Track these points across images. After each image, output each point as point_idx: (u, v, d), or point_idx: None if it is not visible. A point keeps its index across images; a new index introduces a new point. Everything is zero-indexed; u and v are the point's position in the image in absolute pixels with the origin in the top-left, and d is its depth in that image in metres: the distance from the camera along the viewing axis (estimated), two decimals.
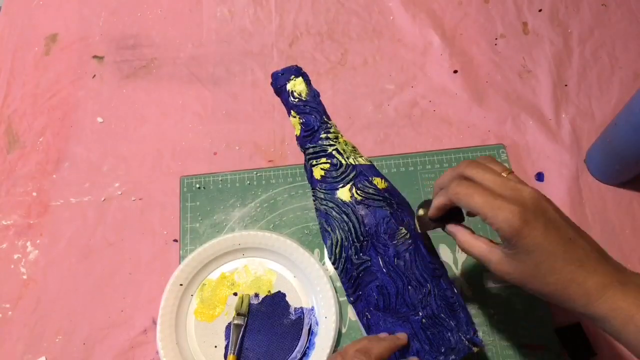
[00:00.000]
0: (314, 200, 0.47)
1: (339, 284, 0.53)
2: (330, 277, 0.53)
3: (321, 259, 0.56)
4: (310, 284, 0.53)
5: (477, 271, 0.55)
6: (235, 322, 0.52)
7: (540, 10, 0.70)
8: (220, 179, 0.61)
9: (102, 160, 0.63)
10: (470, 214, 0.42)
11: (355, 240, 0.46)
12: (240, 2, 0.73)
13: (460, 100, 0.64)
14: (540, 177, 0.60)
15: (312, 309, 0.53)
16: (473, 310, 0.53)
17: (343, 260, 0.47)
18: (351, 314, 0.53)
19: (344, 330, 0.53)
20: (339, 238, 0.46)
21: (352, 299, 0.48)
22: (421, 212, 0.43)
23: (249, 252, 0.56)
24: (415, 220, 0.43)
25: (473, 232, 0.40)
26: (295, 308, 0.54)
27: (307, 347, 0.52)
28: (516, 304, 0.53)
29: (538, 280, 0.35)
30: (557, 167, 0.60)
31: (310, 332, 0.52)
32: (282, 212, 0.59)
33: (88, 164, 0.63)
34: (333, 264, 0.48)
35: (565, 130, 0.62)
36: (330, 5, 0.72)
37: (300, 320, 0.53)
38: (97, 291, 0.56)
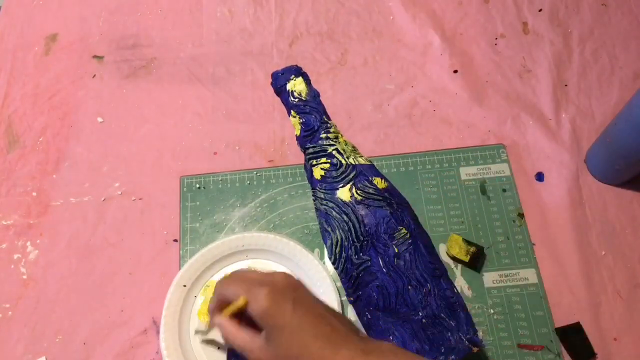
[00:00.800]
0: (314, 200, 0.47)
1: (339, 284, 0.53)
2: (334, 280, 0.53)
3: (321, 258, 0.56)
4: (314, 286, 0.53)
5: (477, 271, 0.55)
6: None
7: (540, 10, 0.70)
8: (220, 179, 0.61)
9: (102, 160, 0.63)
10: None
11: (355, 240, 0.46)
12: (240, 2, 0.73)
13: (460, 100, 0.64)
14: (540, 177, 0.60)
15: None
16: (473, 310, 0.53)
17: (343, 260, 0.47)
18: (351, 314, 0.53)
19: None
20: (339, 238, 0.46)
21: (352, 298, 0.48)
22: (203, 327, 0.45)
23: (253, 253, 0.56)
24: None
25: (238, 325, 0.40)
26: None
27: None
28: (516, 304, 0.53)
29: (292, 358, 0.35)
30: (557, 167, 0.60)
31: None
32: (282, 212, 0.59)
33: (88, 164, 0.63)
34: (333, 263, 0.48)
35: (565, 130, 0.62)
36: (330, 5, 0.72)
37: None
38: (97, 291, 0.56)
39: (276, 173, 0.61)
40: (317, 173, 0.47)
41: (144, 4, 0.73)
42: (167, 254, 0.57)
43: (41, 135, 0.65)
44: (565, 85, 0.65)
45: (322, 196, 0.47)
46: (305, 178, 0.60)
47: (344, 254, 0.47)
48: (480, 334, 0.52)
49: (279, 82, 0.49)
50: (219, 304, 0.41)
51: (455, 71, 0.66)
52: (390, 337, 0.44)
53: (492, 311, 0.53)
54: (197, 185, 0.60)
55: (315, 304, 0.37)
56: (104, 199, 0.61)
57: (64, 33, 0.72)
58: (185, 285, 0.53)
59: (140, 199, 0.60)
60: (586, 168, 0.60)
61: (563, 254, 0.55)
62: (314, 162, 0.48)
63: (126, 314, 0.55)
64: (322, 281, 0.52)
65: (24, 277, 0.57)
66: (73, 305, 0.55)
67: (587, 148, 0.60)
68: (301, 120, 0.48)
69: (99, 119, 0.65)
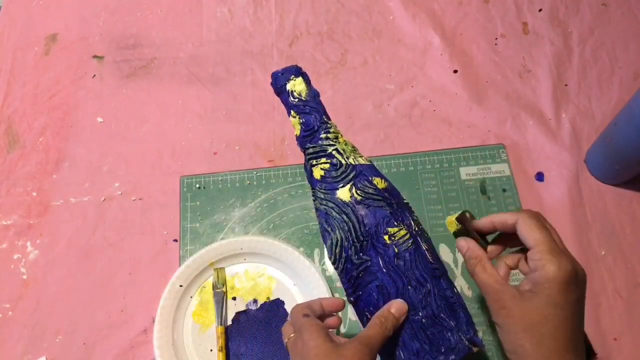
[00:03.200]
0: (313, 200, 0.47)
1: (339, 284, 0.53)
2: (330, 288, 0.53)
3: (321, 259, 0.56)
4: (310, 293, 0.53)
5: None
6: (215, 297, 0.53)
7: (540, 10, 0.70)
8: (220, 179, 0.61)
9: (102, 160, 0.63)
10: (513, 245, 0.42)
11: (355, 240, 0.46)
12: (240, 2, 0.73)
13: (460, 100, 0.64)
14: (540, 177, 0.60)
15: None
16: (473, 310, 0.53)
17: (343, 260, 0.47)
18: (351, 313, 0.53)
19: (343, 330, 0.53)
20: (338, 238, 0.46)
21: (352, 298, 0.47)
22: (467, 214, 0.42)
23: (251, 257, 0.56)
24: (454, 218, 0.43)
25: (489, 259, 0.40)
26: None
27: None
28: None
29: (534, 333, 0.35)
30: (557, 167, 0.60)
31: None
32: (282, 212, 0.59)
33: (88, 164, 0.63)
34: (333, 263, 0.48)
35: (565, 130, 0.62)
36: (330, 5, 0.72)
37: None
38: (97, 291, 0.56)
39: (276, 173, 0.61)
40: (317, 173, 0.47)
41: (144, 4, 0.73)
42: (167, 254, 0.57)
43: (41, 135, 0.65)
44: (565, 85, 0.65)
45: (322, 196, 0.47)
46: (305, 178, 0.60)
47: (344, 254, 0.47)
48: (480, 334, 0.52)
49: (279, 82, 0.49)
50: (505, 224, 0.39)
51: (455, 71, 0.66)
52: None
53: None
54: (197, 185, 0.60)
55: (583, 317, 0.36)
56: (104, 199, 0.61)
57: (64, 33, 0.72)
58: (181, 286, 0.53)
59: (140, 199, 0.60)
60: (586, 168, 0.60)
61: None
62: (314, 162, 0.48)
63: (126, 314, 0.55)
64: (319, 289, 0.52)
65: (24, 277, 0.57)
66: (73, 305, 0.55)
67: (587, 148, 0.60)
68: (301, 121, 0.48)
69: (99, 119, 0.65)
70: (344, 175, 0.48)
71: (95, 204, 0.60)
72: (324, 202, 0.47)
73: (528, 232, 0.37)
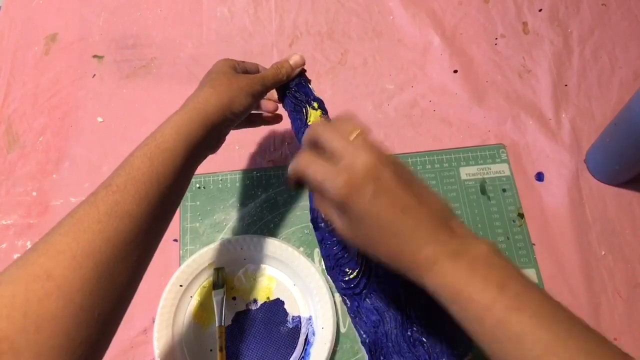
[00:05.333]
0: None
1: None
2: (330, 288, 0.53)
3: (321, 259, 0.56)
4: (310, 293, 0.53)
5: None
6: (215, 297, 0.53)
7: (540, 10, 0.70)
8: (220, 179, 0.61)
9: (102, 160, 0.63)
10: None
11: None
12: (240, 2, 0.73)
13: (460, 100, 0.64)
14: (540, 177, 0.60)
15: (310, 319, 0.53)
16: None
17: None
18: (351, 328, 0.53)
19: (343, 330, 0.53)
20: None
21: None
22: (290, 170, 0.40)
23: (251, 257, 0.56)
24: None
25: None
26: (293, 316, 0.54)
27: (303, 357, 0.51)
28: None
29: (372, 248, 0.34)
30: (557, 167, 0.60)
31: (307, 342, 0.52)
32: (282, 212, 0.59)
33: (88, 164, 0.63)
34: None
35: (565, 130, 0.62)
36: (330, 5, 0.72)
37: (297, 329, 0.53)
38: None
39: (276, 173, 0.61)
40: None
41: (144, 4, 0.73)
42: (167, 254, 0.57)
43: (41, 135, 0.65)
44: (565, 85, 0.65)
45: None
46: None
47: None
48: None
49: (295, 101, 0.48)
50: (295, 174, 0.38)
51: (455, 71, 0.66)
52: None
53: None
54: (197, 185, 0.60)
55: (402, 192, 0.32)
56: None
57: (64, 33, 0.72)
58: (181, 285, 0.53)
59: None
60: (586, 168, 0.60)
61: (563, 254, 0.55)
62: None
63: (126, 313, 0.55)
64: (319, 289, 0.52)
65: None
66: None
67: (587, 148, 0.60)
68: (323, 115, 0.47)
69: (99, 119, 0.65)
70: None
71: None
72: None
73: (308, 177, 0.35)
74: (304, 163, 0.35)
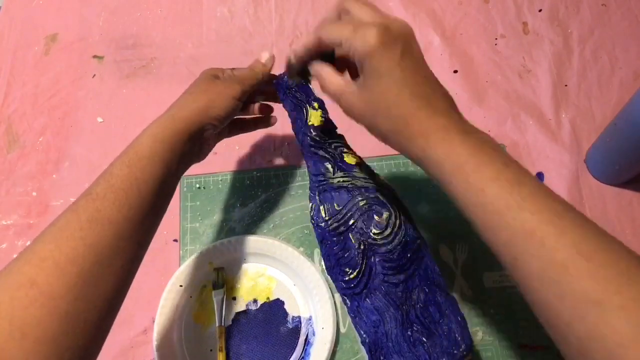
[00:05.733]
0: (349, 181, 0.45)
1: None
2: (330, 288, 0.53)
3: (321, 259, 0.56)
4: (310, 293, 0.53)
5: (477, 271, 0.55)
6: (215, 297, 0.53)
7: (540, 10, 0.70)
8: (220, 179, 0.61)
9: (102, 160, 0.63)
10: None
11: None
12: (240, 2, 0.73)
13: (460, 100, 0.64)
14: (540, 177, 0.60)
15: (310, 319, 0.53)
16: (473, 310, 0.53)
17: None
18: (350, 328, 0.53)
19: (343, 330, 0.53)
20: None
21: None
22: (292, 59, 0.40)
23: (251, 257, 0.56)
24: (285, 69, 0.43)
25: (337, 71, 0.38)
26: (293, 317, 0.54)
27: (303, 357, 0.51)
28: (516, 304, 0.53)
29: (382, 114, 0.33)
30: (557, 167, 0.60)
31: (307, 342, 0.52)
32: (282, 212, 0.59)
33: (88, 164, 0.63)
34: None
35: (565, 130, 0.62)
36: (330, 5, 0.71)
37: (297, 329, 0.53)
38: None
39: (276, 173, 0.61)
40: (351, 159, 0.47)
41: (144, 4, 0.73)
42: (167, 254, 0.57)
43: (41, 135, 0.65)
44: (565, 85, 0.65)
45: (363, 175, 0.46)
46: (305, 178, 0.60)
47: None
48: (480, 334, 0.52)
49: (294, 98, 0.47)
50: (316, 47, 0.37)
51: (455, 71, 0.66)
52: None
53: (492, 311, 0.53)
54: (197, 185, 0.60)
55: (425, 64, 0.33)
56: None
57: (64, 33, 0.72)
58: (181, 285, 0.53)
59: None
60: (586, 168, 0.60)
61: None
62: (345, 150, 0.48)
63: (126, 314, 0.55)
64: (319, 289, 0.52)
65: None
66: None
67: (587, 148, 0.60)
68: (323, 116, 0.47)
69: (99, 119, 0.65)
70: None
71: None
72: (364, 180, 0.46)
73: (331, 37, 0.34)
74: (332, 24, 0.35)
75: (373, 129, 0.35)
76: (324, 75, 0.37)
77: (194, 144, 0.42)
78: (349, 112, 0.36)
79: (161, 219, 0.40)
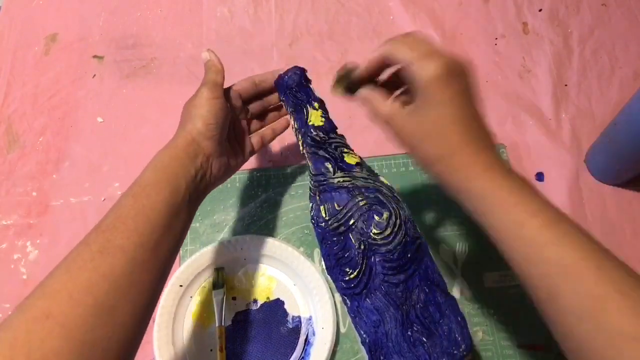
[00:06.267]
0: (350, 180, 0.46)
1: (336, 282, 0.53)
2: (330, 288, 0.53)
3: (321, 259, 0.56)
4: (310, 293, 0.53)
5: (477, 271, 0.55)
6: (215, 297, 0.53)
7: (540, 10, 0.70)
8: None
9: (102, 160, 0.63)
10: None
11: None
12: (240, 2, 0.73)
13: None
14: (540, 177, 0.60)
15: (310, 319, 0.53)
16: (473, 310, 0.53)
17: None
18: (350, 328, 0.53)
19: (343, 330, 0.53)
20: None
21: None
22: (344, 71, 0.40)
23: (251, 257, 0.56)
24: (334, 81, 0.42)
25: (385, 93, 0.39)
26: (293, 316, 0.54)
27: (303, 357, 0.51)
28: (516, 304, 0.53)
29: (431, 139, 0.34)
30: (557, 167, 0.60)
31: (307, 342, 0.52)
32: (282, 212, 0.59)
33: (88, 164, 0.63)
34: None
35: (565, 130, 0.62)
36: (330, 5, 0.72)
37: (297, 329, 0.53)
38: None
39: (276, 173, 0.61)
40: (352, 159, 0.47)
41: (144, 4, 0.73)
42: None
43: (41, 135, 0.65)
44: (565, 85, 0.65)
45: (367, 176, 0.46)
46: (305, 178, 0.60)
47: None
48: (480, 334, 0.52)
49: (296, 98, 0.47)
50: (379, 64, 0.37)
51: None
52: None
53: (492, 311, 0.53)
54: None
55: (477, 106, 0.34)
56: (104, 199, 0.60)
57: (64, 33, 0.72)
58: (181, 285, 0.53)
59: None
60: (586, 168, 0.60)
61: None
62: (345, 150, 0.48)
63: None
64: (319, 289, 0.52)
65: (24, 277, 0.57)
66: None
67: (587, 148, 0.60)
68: (324, 116, 0.47)
69: (99, 119, 0.65)
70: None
71: (95, 204, 0.60)
72: (370, 181, 0.46)
73: (397, 55, 0.35)
74: (401, 43, 0.35)
75: (418, 153, 0.36)
76: (376, 99, 0.38)
77: (199, 163, 0.42)
78: (397, 135, 0.37)
79: (180, 242, 0.40)
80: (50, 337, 0.28)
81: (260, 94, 0.50)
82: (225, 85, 0.48)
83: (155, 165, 0.40)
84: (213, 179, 0.44)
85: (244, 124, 0.49)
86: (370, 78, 0.39)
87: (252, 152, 0.50)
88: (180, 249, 0.57)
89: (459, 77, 0.33)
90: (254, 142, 0.50)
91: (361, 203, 0.44)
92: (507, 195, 0.32)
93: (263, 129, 0.52)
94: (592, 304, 0.27)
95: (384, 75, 0.40)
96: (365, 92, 0.39)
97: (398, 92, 0.39)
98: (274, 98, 0.51)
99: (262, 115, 0.52)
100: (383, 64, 0.37)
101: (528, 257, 0.31)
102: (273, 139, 0.52)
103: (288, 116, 0.49)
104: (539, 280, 0.30)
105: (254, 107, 0.50)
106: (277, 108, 0.53)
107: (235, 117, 0.48)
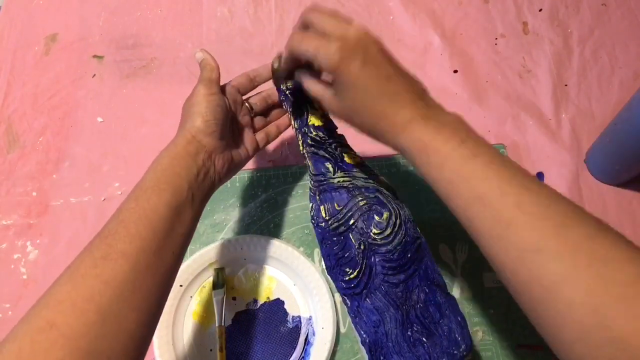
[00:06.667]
0: (347, 180, 0.46)
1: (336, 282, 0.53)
2: (330, 288, 0.53)
3: (321, 259, 0.56)
4: (310, 293, 0.53)
5: (477, 271, 0.55)
6: (215, 297, 0.53)
7: (540, 10, 0.70)
8: None
9: (102, 160, 0.63)
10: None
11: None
12: (240, 2, 0.73)
13: (460, 100, 0.64)
14: (540, 177, 0.60)
15: (310, 319, 0.53)
16: (473, 310, 0.53)
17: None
18: (350, 328, 0.53)
19: (343, 330, 0.53)
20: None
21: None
22: (275, 64, 0.44)
23: (251, 257, 0.56)
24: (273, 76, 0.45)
25: (319, 78, 0.40)
26: (293, 316, 0.54)
27: (303, 357, 0.51)
28: (516, 304, 0.53)
29: (357, 115, 0.37)
30: (557, 167, 0.60)
31: (307, 342, 0.52)
32: (282, 212, 0.59)
33: (88, 164, 0.63)
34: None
35: (565, 130, 0.62)
36: (330, 6, 0.72)
37: (297, 329, 0.53)
38: None
39: (276, 173, 0.61)
40: (351, 159, 0.47)
41: (144, 4, 0.73)
42: None
43: (41, 135, 0.65)
44: (565, 85, 0.65)
45: (364, 175, 0.46)
46: (305, 178, 0.60)
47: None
48: (479, 334, 0.52)
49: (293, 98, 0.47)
50: (290, 58, 0.40)
51: (455, 71, 0.66)
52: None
53: (492, 311, 0.53)
54: None
55: (387, 64, 0.36)
56: (104, 199, 0.61)
57: (64, 33, 0.72)
58: (181, 285, 0.53)
59: None
60: (586, 168, 0.60)
61: None
62: (346, 150, 0.48)
63: None
64: (319, 289, 0.52)
65: (24, 277, 0.57)
66: None
67: (587, 148, 0.60)
68: (323, 116, 0.47)
69: (99, 119, 0.65)
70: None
71: (95, 204, 0.60)
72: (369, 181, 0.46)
73: (299, 53, 0.37)
74: (298, 38, 0.37)
75: (353, 126, 0.39)
76: (305, 82, 0.41)
77: (201, 161, 0.41)
78: (331, 112, 0.40)
79: (186, 244, 0.40)
80: (54, 347, 0.28)
81: (258, 88, 0.50)
82: (223, 82, 0.48)
83: (156, 168, 0.40)
84: (217, 176, 0.43)
85: (246, 120, 0.49)
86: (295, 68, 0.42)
87: (257, 149, 0.49)
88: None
89: (354, 51, 0.35)
90: (259, 139, 0.50)
91: (361, 203, 0.44)
92: (425, 144, 0.34)
93: (268, 126, 0.52)
94: (500, 225, 0.31)
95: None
96: (297, 74, 0.42)
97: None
98: (274, 94, 0.51)
99: (266, 113, 0.52)
100: (297, 59, 0.40)
101: (450, 194, 0.34)
102: (278, 135, 0.52)
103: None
104: (461, 213, 0.33)
105: (256, 104, 0.50)
106: (281, 104, 0.53)
107: (236, 113, 0.48)
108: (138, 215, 0.36)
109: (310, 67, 0.40)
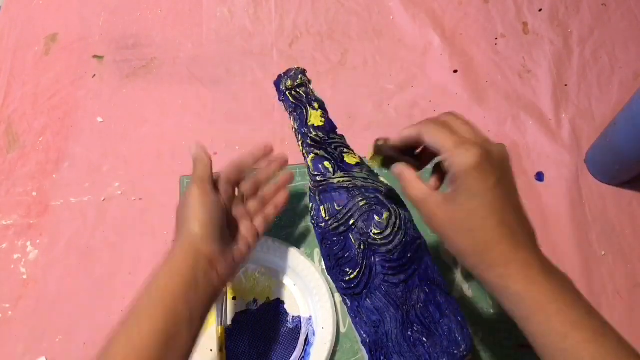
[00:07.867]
0: (349, 180, 0.45)
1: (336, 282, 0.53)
2: (330, 288, 0.53)
3: (321, 259, 0.56)
4: (310, 293, 0.53)
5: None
6: None
7: (540, 10, 0.70)
8: None
9: (102, 160, 0.63)
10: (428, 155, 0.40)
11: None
12: (240, 2, 0.73)
13: (460, 100, 0.64)
14: (540, 177, 0.60)
15: (310, 319, 0.53)
16: (473, 310, 0.53)
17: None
18: (351, 328, 0.53)
19: (343, 330, 0.53)
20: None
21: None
22: (380, 142, 0.41)
23: (251, 257, 0.55)
24: (372, 149, 0.42)
25: (417, 175, 0.38)
26: (293, 316, 0.54)
27: (303, 357, 0.51)
28: None
29: (464, 232, 0.33)
30: (557, 167, 0.60)
31: (307, 342, 0.52)
32: (282, 212, 0.58)
33: (88, 164, 0.63)
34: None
35: (565, 130, 0.62)
36: (330, 5, 0.72)
37: (297, 329, 0.53)
38: (97, 291, 0.56)
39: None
40: (352, 159, 0.47)
41: (144, 4, 0.73)
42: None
43: (41, 135, 0.65)
44: (565, 85, 0.65)
45: (366, 176, 0.46)
46: (305, 178, 0.60)
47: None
48: (480, 334, 0.52)
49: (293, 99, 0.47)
50: (413, 141, 0.37)
51: (455, 71, 0.66)
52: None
53: (492, 311, 0.53)
54: None
55: (516, 195, 0.33)
56: (104, 199, 0.61)
57: (64, 33, 0.72)
58: None
59: (140, 199, 0.60)
60: (586, 168, 0.60)
61: (563, 254, 0.55)
62: (345, 150, 0.48)
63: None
64: (319, 289, 0.52)
65: (24, 277, 0.57)
66: (73, 305, 0.55)
67: (587, 148, 0.60)
68: (324, 116, 0.47)
69: (99, 119, 0.65)
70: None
71: (95, 204, 0.60)
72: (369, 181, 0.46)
73: (432, 140, 0.35)
74: (435, 127, 0.35)
75: (450, 244, 0.35)
76: (408, 179, 0.37)
77: (202, 273, 0.39)
78: (428, 220, 0.36)
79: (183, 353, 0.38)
80: None
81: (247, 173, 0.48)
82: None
83: (151, 290, 0.39)
84: (220, 282, 0.41)
85: (241, 211, 0.46)
86: (403, 151, 0.39)
87: (257, 237, 0.46)
88: None
89: (496, 165, 0.32)
90: (258, 225, 0.47)
91: (361, 203, 0.44)
92: (547, 301, 0.31)
93: (265, 208, 0.49)
94: None
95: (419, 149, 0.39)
96: (397, 169, 0.39)
97: (428, 165, 0.39)
98: (262, 173, 0.49)
99: (257, 194, 0.49)
100: (417, 142, 0.37)
101: (538, 343, 0.31)
102: (277, 215, 0.49)
103: (285, 189, 0.49)
104: (534, 341, 0.31)
105: (245, 188, 0.48)
106: (269, 179, 0.50)
107: (230, 206, 0.45)
108: (127, 353, 0.35)
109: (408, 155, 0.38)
